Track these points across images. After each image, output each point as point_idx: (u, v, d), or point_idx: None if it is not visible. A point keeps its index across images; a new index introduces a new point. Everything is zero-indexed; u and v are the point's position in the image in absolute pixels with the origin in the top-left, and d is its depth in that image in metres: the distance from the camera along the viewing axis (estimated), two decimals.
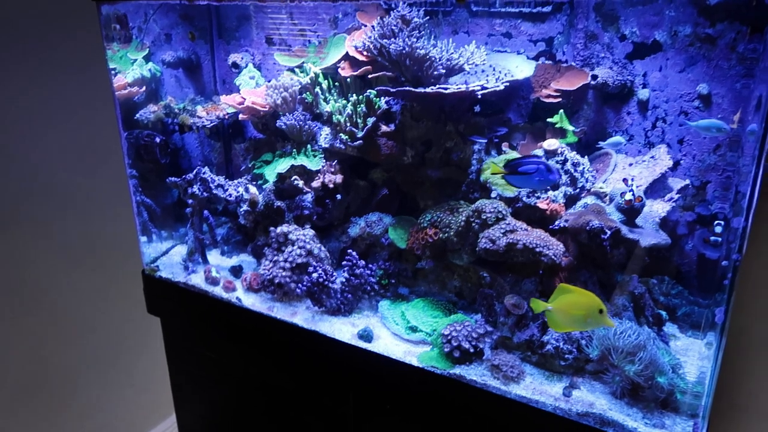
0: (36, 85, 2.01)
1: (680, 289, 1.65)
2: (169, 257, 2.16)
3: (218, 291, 1.93)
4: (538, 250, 1.46)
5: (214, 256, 2.14)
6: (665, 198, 1.58)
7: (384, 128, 1.82)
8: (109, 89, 1.94)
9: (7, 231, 2.06)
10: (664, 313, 1.54)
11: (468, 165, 1.75)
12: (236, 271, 1.99)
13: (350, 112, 1.77)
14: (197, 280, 1.98)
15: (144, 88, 2.10)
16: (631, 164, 1.67)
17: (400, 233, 1.83)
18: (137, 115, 2.08)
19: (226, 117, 2.04)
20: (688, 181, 1.58)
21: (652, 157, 1.63)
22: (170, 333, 2.15)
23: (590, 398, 1.41)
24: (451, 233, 1.64)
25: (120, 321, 2.55)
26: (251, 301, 1.87)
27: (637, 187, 1.57)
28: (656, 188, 1.62)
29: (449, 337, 1.53)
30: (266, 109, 1.90)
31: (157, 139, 2.01)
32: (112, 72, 2.00)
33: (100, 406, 2.55)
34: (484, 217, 1.55)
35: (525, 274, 1.56)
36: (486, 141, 1.72)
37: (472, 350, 1.51)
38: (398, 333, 1.69)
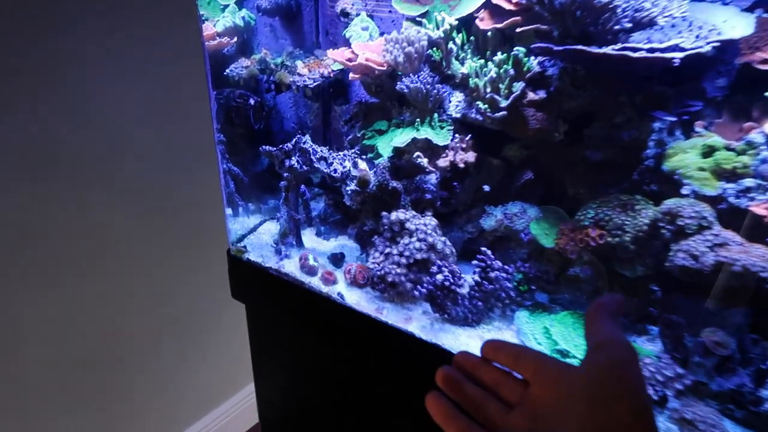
0: (116, 31, 1.73)
1: None
2: (257, 236, 1.89)
3: (316, 282, 1.64)
4: (765, 275, 1.07)
5: (307, 237, 1.85)
6: None
7: (532, 96, 1.44)
8: (198, 39, 1.63)
9: (91, 191, 1.83)
10: None
11: (643, 147, 1.36)
12: (337, 259, 1.69)
13: (494, 75, 1.39)
14: (291, 266, 1.70)
15: (235, 38, 1.79)
16: None
17: (545, 228, 1.47)
18: (227, 71, 1.78)
19: (331, 75, 1.70)
20: None
21: None
22: (256, 322, 1.89)
23: None
24: (626, 238, 1.26)
25: (198, 295, 2.33)
26: (355, 299, 1.57)
27: None
28: None
29: None
30: (384, 68, 1.55)
31: (252, 101, 1.70)
32: (201, 19, 1.70)
33: (171, 380, 2.37)
34: (681, 224, 1.17)
35: (729, 303, 1.18)
36: (674, 119, 1.31)
37: (656, 398, 1.16)
38: None
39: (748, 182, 1.19)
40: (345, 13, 1.71)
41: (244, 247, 1.80)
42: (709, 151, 1.25)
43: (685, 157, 1.27)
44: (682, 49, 1.22)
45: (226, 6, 1.81)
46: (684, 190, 1.25)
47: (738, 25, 1.29)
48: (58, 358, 1.94)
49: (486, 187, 1.47)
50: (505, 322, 1.48)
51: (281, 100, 1.98)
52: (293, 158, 1.60)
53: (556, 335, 1.38)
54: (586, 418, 0.47)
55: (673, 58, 1.20)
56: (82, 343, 1.99)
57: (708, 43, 1.24)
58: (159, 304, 2.20)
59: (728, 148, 1.24)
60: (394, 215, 1.51)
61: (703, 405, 1.15)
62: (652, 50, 1.21)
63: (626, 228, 1.27)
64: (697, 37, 1.29)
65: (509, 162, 1.58)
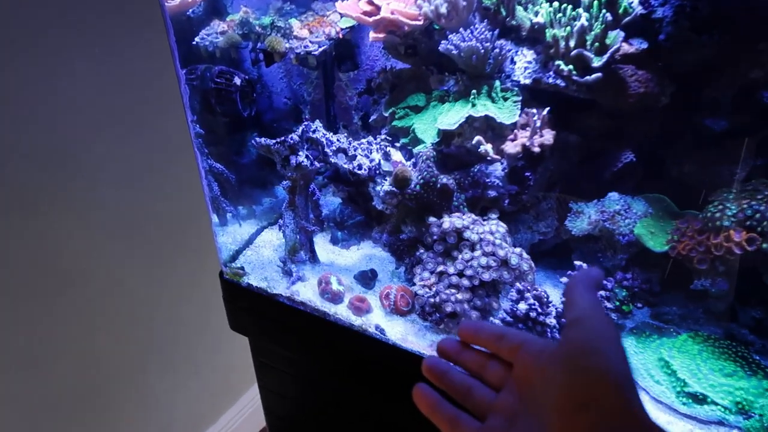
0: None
1: None
2: (255, 250, 1.48)
3: (343, 312, 1.26)
4: None
5: (321, 246, 1.45)
6: None
7: (627, 49, 1.05)
8: (157, 1, 1.17)
9: (49, 207, 1.39)
10: None
11: None
12: (367, 279, 1.30)
13: (584, 23, 0.99)
14: (307, 292, 1.31)
15: None
16: None
17: (651, 225, 1.10)
18: (197, 39, 1.33)
19: (340, 35, 1.27)
20: None
21: None
22: (264, 357, 1.51)
23: None
24: None
25: (182, 309, 1.94)
26: (399, 331, 1.20)
27: None
28: None
29: None
30: (418, 22, 1.13)
31: (237, 81, 1.26)
32: None
33: (161, 401, 2.01)
34: None
35: None
36: None
37: None
38: (665, 400, 1.01)
39: None
40: None
41: (241, 268, 1.39)
42: None
43: None
44: None
45: None
46: None
47: None
48: (33, 395, 1.55)
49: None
50: None
51: (269, 69, 1.54)
52: (301, 153, 1.18)
53: (682, 371, 1.03)
54: (566, 397, 0.45)
55: None
56: (58, 376, 1.60)
57: None
58: (140, 326, 1.81)
59: None
60: (447, 222, 1.12)
61: None
62: None
63: None
64: None
65: (588, 137, 1.19)
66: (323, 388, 1.47)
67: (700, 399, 0.99)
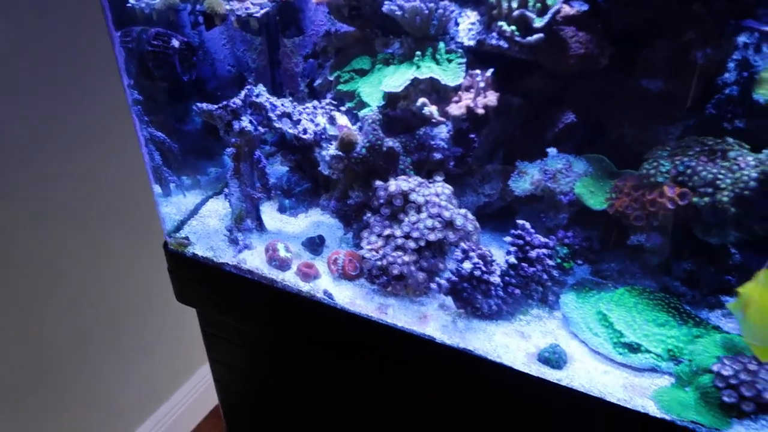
0: None
1: None
2: (201, 220, 1.45)
3: (291, 278, 1.25)
4: None
5: (268, 215, 1.43)
6: None
7: (568, 10, 1.07)
8: None
9: None
10: None
11: (720, 71, 1.03)
12: (315, 245, 1.30)
13: None
14: (255, 260, 1.29)
15: None
16: None
17: (590, 185, 1.14)
18: (132, 1, 1.27)
19: None
20: None
21: None
22: (213, 328, 1.49)
23: None
24: (722, 197, 0.95)
25: (127, 287, 1.89)
26: (348, 296, 1.20)
27: None
28: None
29: (735, 382, 0.90)
30: None
31: (175, 43, 1.22)
32: None
33: (109, 379, 1.96)
34: None
35: None
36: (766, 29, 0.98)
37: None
38: (603, 351, 1.05)
39: None
40: None
41: (186, 238, 1.36)
42: None
43: None
44: None
45: None
46: None
47: None
48: None
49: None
50: (545, 308, 1.16)
51: (210, 35, 1.49)
52: (244, 118, 1.16)
53: (619, 322, 1.07)
54: None
55: None
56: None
57: None
58: (81, 305, 1.75)
59: None
60: (393, 185, 1.12)
61: None
62: None
63: (721, 185, 0.95)
64: None
65: (531, 99, 1.21)
66: (274, 356, 1.46)
67: (634, 348, 1.04)
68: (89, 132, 1.56)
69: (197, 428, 2.42)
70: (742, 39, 1.01)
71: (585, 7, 1.06)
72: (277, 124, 1.17)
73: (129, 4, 1.30)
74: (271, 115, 1.16)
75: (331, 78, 1.21)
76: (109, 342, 1.90)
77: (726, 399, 0.90)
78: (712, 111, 1.04)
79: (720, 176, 0.95)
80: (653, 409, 0.95)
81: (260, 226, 1.35)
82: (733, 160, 0.95)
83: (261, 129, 1.19)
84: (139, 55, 1.21)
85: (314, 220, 1.42)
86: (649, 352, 1.03)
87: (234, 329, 1.46)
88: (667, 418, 0.94)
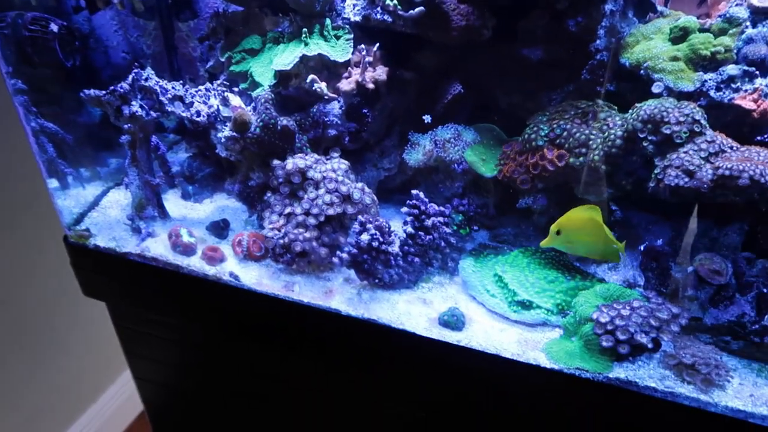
0: None
1: None
2: (102, 211, 1.41)
3: (196, 263, 1.24)
4: None
5: (172, 203, 1.41)
6: None
7: None
8: None
9: None
10: None
11: (592, 37, 1.09)
12: (219, 229, 1.29)
13: None
14: (159, 248, 1.27)
15: None
16: None
17: (481, 153, 1.18)
18: None
19: None
20: None
21: None
22: (123, 321, 1.46)
23: None
24: (594, 156, 1.01)
25: (35, 289, 1.81)
26: (254, 276, 1.21)
27: None
28: None
29: (611, 327, 0.97)
30: None
31: (53, 27, 1.17)
32: None
33: (28, 384, 1.89)
34: (668, 132, 0.92)
35: (723, 222, 0.98)
36: None
37: (651, 345, 0.96)
38: (498, 310, 1.11)
39: (732, 69, 0.96)
40: None
41: (87, 230, 1.32)
42: (680, 35, 1.00)
43: (651, 45, 1.01)
44: None
45: None
46: (655, 88, 1.00)
47: None
48: None
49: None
50: (445, 275, 1.21)
51: (100, 21, 1.44)
52: (134, 103, 1.13)
53: (512, 282, 1.13)
54: None
55: None
56: None
57: None
58: None
59: (702, 29, 1.00)
60: (290, 163, 1.13)
61: (702, 344, 0.97)
62: None
63: (592, 145, 1.01)
64: None
65: (423, 73, 1.24)
66: (188, 345, 1.45)
67: (527, 305, 1.10)
68: None
69: (128, 430, 2.37)
70: (608, 6, 1.06)
71: None
72: (169, 108, 1.15)
73: None
74: (162, 98, 1.14)
75: (223, 59, 1.20)
76: (21, 344, 1.82)
77: (604, 344, 0.97)
78: (587, 76, 1.10)
79: (591, 137, 1.01)
80: (544, 361, 1.01)
81: (163, 213, 1.33)
82: (603, 120, 1.02)
83: (153, 113, 1.17)
84: (16, 41, 1.16)
85: (220, 204, 1.41)
86: (540, 307, 1.09)
87: (146, 320, 1.43)
88: (556, 367, 1.00)
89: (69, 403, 2.11)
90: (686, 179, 0.90)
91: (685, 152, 0.90)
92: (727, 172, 0.87)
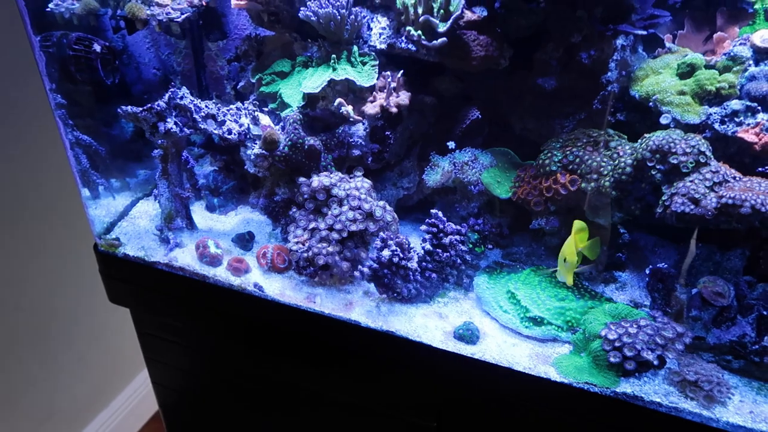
0: None
1: None
2: (131, 221, 1.47)
3: (222, 273, 1.30)
4: None
5: (198, 214, 1.48)
6: None
7: (470, 15, 1.17)
8: None
9: None
10: None
11: (604, 70, 1.15)
12: (245, 241, 1.35)
13: None
14: (186, 258, 1.34)
15: None
16: None
17: (497, 175, 1.24)
18: (51, 6, 1.28)
19: (203, 2, 1.29)
20: None
21: None
22: (147, 328, 1.52)
23: None
24: (605, 182, 1.07)
25: (60, 288, 1.87)
26: (277, 288, 1.27)
27: None
28: None
29: (619, 344, 1.02)
30: None
31: (97, 47, 1.24)
32: None
33: (43, 387, 1.94)
34: (675, 162, 0.98)
35: (726, 247, 1.04)
36: (643, 32, 1.11)
37: (656, 362, 1.01)
38: (511, 326, 1.16)
39: (735, 105, 1.03)
40: None
41: (117, 239, 1.39)
42: (688, 71, 1.07)
43: (660, 79, 1.08)
44: None
45: None
46: (663, 119, 1.07)
47: None
48: None
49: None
50: (460, 290, 1.26)
51: (134, 39, 1.51)
52: (169, 120, 1.20)
53: (525, 299, 1.18)
54: None
55: None
56: None
57: None
58: (10, 309, 1.73)
59: (708, 66, 1.07)
60: (316, 181, 1.20)
61: (704, 362, 1.03)
62: None
63: (603, 171, 1.07)
64: None
65: (441, 98, 1.31)
66: (208, 352, 1.50)
67: (538, 322, 1.15)
68: (12, 136, 1.55)
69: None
70: (619, 42, 1.13)
71: (485, 12, 1.17)
72: (202, 126, 1.22)
73: (48, 9, 1.32)
74: (195, 116, 1.21)
75: (254, 80, 1.27)
76: (42, 347, 1.88)
77: (612, 359, 1.02)
78: (598, 106, 1.17)
79: (603, 164, 1.07)
80: (554, 375, 1.06)
81: (191, 225, 1.40)
82: (613, 149, 1.08)
83: (186, 130, 1.24)
84: (61, 60, 1.23)
85: (244, 217, 1.47)
86: (551, 324, 1.15)
87: (168, 327, 1.49)
88: (566, 381, 1.05)
89: (82, 407, 2.15)
90: (692, 206, 0.96)
91: (691, 181, 0.96)
92: (730, 201, 0.93)
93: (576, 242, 1.03)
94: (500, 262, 1.30)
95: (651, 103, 1.08)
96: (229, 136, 1.22)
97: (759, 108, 1.02)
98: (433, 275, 1.20)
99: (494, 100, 1.29)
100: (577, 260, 1.05)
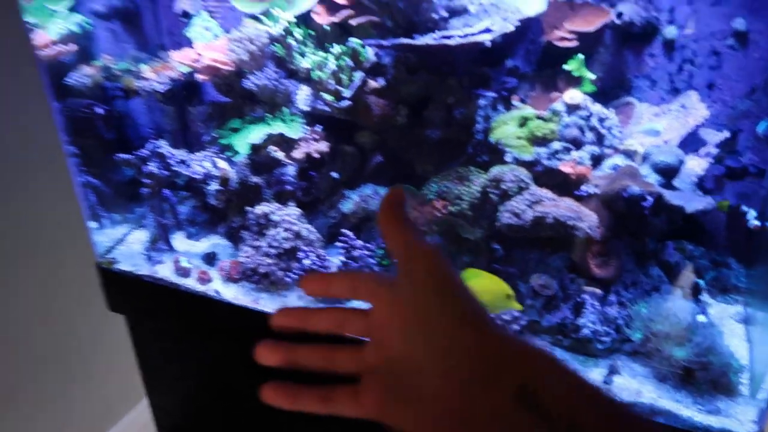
0: None
1: (704, 251, 1.52)
2: (126, 246, 1.87)
3: (191, 283, 1.68)
4: (570, 223, 1.27)
5: (179, 241, 1.86)
6: (700, 153, 1.41)
7: (373, 84, 1.56)
8: (27, 48, 1.56)
9: None
10: (701, 281, 1.40)
11: (472, 123, 1.53)
12: (210, 258, 1.73)
13: (335, 68, 1.49)
14: (165, 271, 1.72)
15: (75, 47, 1.74)
16: (657, 114, 1.49)
17: None
18: (68, 80, 1.73)
19: (181, 78, 1.72)
20: (726, 134, 1.41)
21: (682, 106, 1.45)
22: (138, 332, 1.89)
23: (634, 384, 1.27)
24: (464, 206, 1.43)
25: (70, 315, 2.23)
26: (232, 293, 1.63)
27: (665, 142, 1.40)
28: (687, 141, 1.45)
29: None
30: (229, 67, 1.60)
31: (99, 110, 1.67)
32: (30, 27, 1.63)
33: (56, 404, 2.22)
34: (505, 188, 1.34)
35: (551, 249, 1.38)
36: (494, 95, 1.49)
37: None
38: None
39: (556, 145, 1.39)
40: (186, 14, 1.72)
41: (114, 258, 1.78)
42: (524, 122, 1.44)
43: (506, 128, 1.45)
44: (491, 31, 1.38)
45: (55, 11, 1.75)
46: (506, 158, 1.43)
47: (534, 4, 1.47)
48: None
49: (334, 174, 1.58)
50: None
51: (134, 106, 1.95)
52: (151, 163, 1.61)
53: None
54: (423, 335, 0.45)
55: (485, 41, 1.36)
56: None
57: (512, 23, 1.41)
58: (27, 333, 2.08)
59: (539, 117, 1.44)
60: (258, 209, 1.58)
61: (536, 339, 1.35)
62: (465, 35, 1.36)
63: (463, 197, 1.43)
64: (504, 19, 1.46)
65: (362, 148, 1.69)
66: (188, 348, 1.86)
67: None
68: (32, 180, 1.95)
69: None
70: (482, 101, 1.51)
71: (383, 82, 1.56)
72: (175, 168, 1.62)
73: (64, 81, 1.76)
74: (170, 161, 1.61)
75: (215, 135, 1.67)
76: (52, 365, 2.13)
77: None
78: (470, 150, 1.54)
79: (463, 192, 1.43)
80: None
81: (170, 246, 1.78)
82: (471, 181, 1.44)
83: (165, 172, 1.64)
84: (73, 120, 1.66)
85: (214, 242, 1.85)
86: None
87: (155, 330, 1.86)
88: None
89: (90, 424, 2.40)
90: (515, 219, 1.31)
91: (515, 201, 1.32)
92: (540, 214, 1.28)
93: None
94: None
95: (500, 146, 1.45)
96: (195, 176, 1.62)
97: (572, 147, 1.37)
98: None
99: (403, 149, 1.67)
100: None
